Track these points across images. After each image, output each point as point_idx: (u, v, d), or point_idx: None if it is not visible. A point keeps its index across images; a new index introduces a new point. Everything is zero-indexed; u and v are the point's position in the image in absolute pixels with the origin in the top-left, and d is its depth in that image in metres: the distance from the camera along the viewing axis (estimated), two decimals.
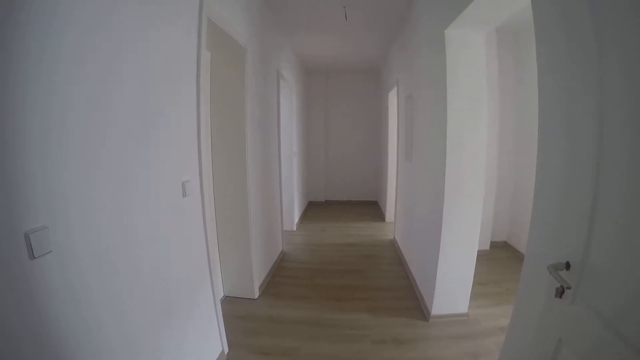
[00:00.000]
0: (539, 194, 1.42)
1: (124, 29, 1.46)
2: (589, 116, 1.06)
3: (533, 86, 4.47)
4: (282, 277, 4.19)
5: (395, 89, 5.42)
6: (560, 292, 1.14)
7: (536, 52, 1.37)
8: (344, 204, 8.32)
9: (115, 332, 1.44)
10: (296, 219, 6.28)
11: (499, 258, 4.78)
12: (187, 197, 2.08)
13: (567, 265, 1.15)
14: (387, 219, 6.74)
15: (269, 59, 4.14)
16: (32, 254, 1.05)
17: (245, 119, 3.17)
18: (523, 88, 4.73)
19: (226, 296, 3.61)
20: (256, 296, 3.62)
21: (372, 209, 7.93)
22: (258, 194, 3.67)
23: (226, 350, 2.70)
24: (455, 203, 2.99)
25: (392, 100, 6.09)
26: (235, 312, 3.38)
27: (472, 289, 3.22)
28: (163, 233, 1.81)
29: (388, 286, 3.97)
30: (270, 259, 4.25)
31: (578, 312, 1.10)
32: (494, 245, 5.08)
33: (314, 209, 7.81)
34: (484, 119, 2.90)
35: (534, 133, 4.25)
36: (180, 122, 2.00)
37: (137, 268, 1.58)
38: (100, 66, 1.32)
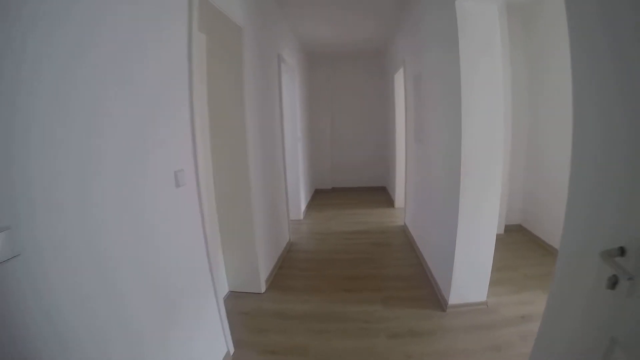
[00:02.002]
0: (577, 171, 1.24)
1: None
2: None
3: (547, 61, 4.29)
4: (289, 269, 4.05)
5: (402, 70, 5.22)
6: (612, 283, 0.97)
7: (569, 35, 1.22)
8: (351, 191, 8.16)
9: (115, 335, 1.29)
10: (303, 207, 6.13)
11: (514, 242, 4.61)
12: (181, 188, 1.91)
13: (622, 251, 0.97)
14: (396, 205, 6.57)
15: (269, 41, 3.96)
16: None
17: (244, 104, 2.99)
18: (535, 63, 4.49)
19: (231, 291, 3.48)
20: (263, 290, 3.48)
21: (381, 195, 7.77)
22: (261, 183, 3.51)
23: (232, 351, 2.57)
24: (473, 183, 2.82)
25: (399, 81, 5.89)
26: (241, 308, 3.25)
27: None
28: (151, 226, 1.65)
29: (401, 275, 3.82)
30: (277, 250, 4.11)
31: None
32: (508, 229, 4.91)
33: (320, 197, 7.66)
34: (499, 94, 2.71)
35: (550, 105, 4.07)
36: (170, 107, 1.83)
37: (113, 268, 1.42)
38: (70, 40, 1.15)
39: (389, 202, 6.95)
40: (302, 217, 5.95)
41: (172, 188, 1.85)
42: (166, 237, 1.79)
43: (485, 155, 2.78)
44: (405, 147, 5.29)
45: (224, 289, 3.41)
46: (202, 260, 2.21)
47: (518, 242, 4.61)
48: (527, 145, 4.80)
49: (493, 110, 2.72)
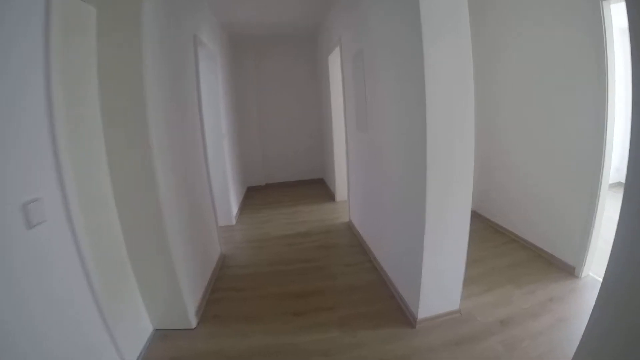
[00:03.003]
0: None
1: None
2: None
3: (500, 49, 4.04)
4: (224, 291, 3.39)
5: (338, 49, 4.70)
6: None
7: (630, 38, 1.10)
8: (287, 186, 7.56)
9: None
10: (234, 211, 5.43)
11: (473, 230, 4.24)
12: (38, 228, 1.20)
13: None
14: (337, 198, 6.10)
15: (181, 19, 3.23)
16: None
17: (145, 97, 2.27)
18: (488, 50, 4.17)
19: (156, 330, 2.76)
20: (193, 325, 2.82)
21: (319, 187, 7.26)
22: (175, 192, 2.78)
23: None
24: (441, 176, 2.37)
25: (334, 63, 5.41)
26: (169, 351, 2.58)
27: None
28: None
29: (355, 285, 3.33)
30: (206, 269, 3.42)
31: None
32: None
33: (254, 196, 6.96)
34: (469, 67, 2.27)
35: (503, 90, 3.62)
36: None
37: None
38: None
39: (329, 196, 6.45)
40: (234, 222, 5.26)
41: (18, 231, 1.13)
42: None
43: (456, 141, 2.34)
44: (345, 135, 4.77)
45: (147, 329, 2.69)
46: (89, 317, 1.50)
47: (477, 230, 4.33)
48: (479, 129, 4.47)
49: (463, 88, 2.28)
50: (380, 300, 3.04)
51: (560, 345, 2.40)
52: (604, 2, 2.74)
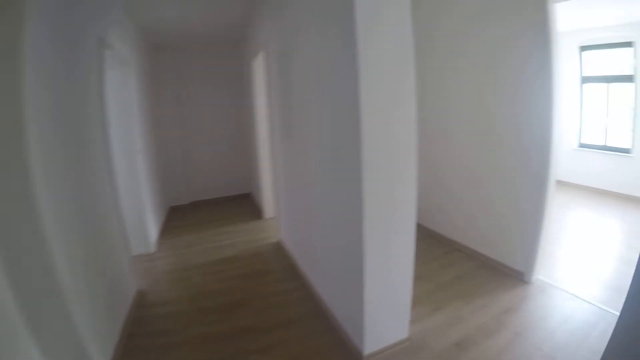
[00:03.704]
0: None
1: None
2: None
3: (430, 53, 3.83)
4: (141, 337, 2.76)
5: (262, 53, 4.28)
6: None
7: None
8: (213, 203, 6.89)
9: None
10: (154, 236, 4.70)
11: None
12: None
13: None
14: (266, 215, 5.59)
15: (81, 18, 2.60)
16: None
17: (21, 107, 1.65)
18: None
19: None
20: None
21: (246, 204, 6.68)
22: (67, 223, 2.10)
23: None
24: (381, 188, 2.04)
25: (259, 67, 4.98)
26: None
27: None
28: None
29: (290, 318, 2.88)
30: (117, 312, 2.75)
31: None
32: None
33: (177, 216, 6.21)
34: (410, 60, 1.97)
35: (436, 94, 3.33)
36: None
37: None
38: None
39: (257, 213, 5.91)
40: (153, 249, 4.53)
41: None
42: None
43: (396, 147, 2.04)
44: (270, 145, 4.31)
45: None
46: None
47: (417, 241, 3.98)
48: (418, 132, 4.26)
49: (403, 85, 1.99)
50: (320, 336, 2.61)
51: None
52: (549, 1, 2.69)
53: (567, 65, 6.29)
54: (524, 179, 3.10)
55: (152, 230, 4.67)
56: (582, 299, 2.93)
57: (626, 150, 5.93)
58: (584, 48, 6.30)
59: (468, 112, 3.63)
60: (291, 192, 3.65)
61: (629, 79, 5.79)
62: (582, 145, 6.61)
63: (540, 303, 2.86)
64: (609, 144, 6.29)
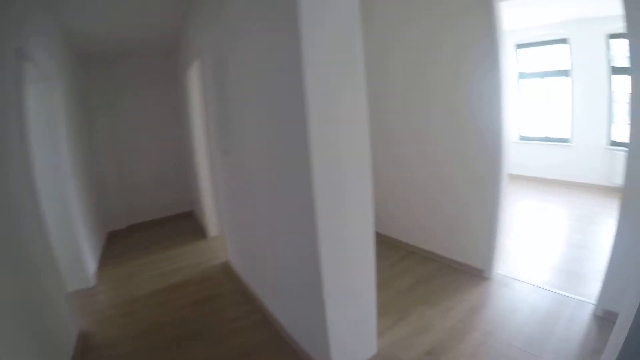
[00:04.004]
0: None
1: None
2: None
3: (388, 57, 3.73)
4: None
5: (198, 62, 4.01)
6: None
7: None
8: (153, 225, 6.40)
9: None
10: (92, 268, 4.23)
11: None
12: None
13: None
14: (210, 233, 5.27)
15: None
16: None
17: None
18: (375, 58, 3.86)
19: None
20: None
21: (189, 223, 6.28)
22: None
23: None
24: (334, 193, 1.86)
25: (194, 77, 4.68)
26: None
27: None
28: None
29: (248, 348, 2.63)
30: None
31: None
32: None
33: (116, 243, 5.68)
34: (360, 63, 1.83)
35: (397, 95, 3.21)
36: None
37: None
38: None
39: (201, 232, 5.56)
40: (92, 282, 4.06)
41: None
42: None
43: (347, 154, 1.89)
44: (209, 159, 4.05)
45: None
46: None
47: None
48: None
49: (353, 89, 1.87)
50: None
51: None
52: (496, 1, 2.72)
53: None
54: (475, 175, 3.07)
55: (90, 261, 4.21)
56: (544, 288, 2.93)
57: (565, 140, 6.25)
58: (519, 46, 6.65)
59: (409, 115, 3.59)
60: (234, 208, 3.40)
61: (564, 73, 6.12)
62: (522, 138, 6.94)
63: (504, 298, 2.82)
64: (549, 135, 6.62)
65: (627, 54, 2.09)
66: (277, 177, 2.23)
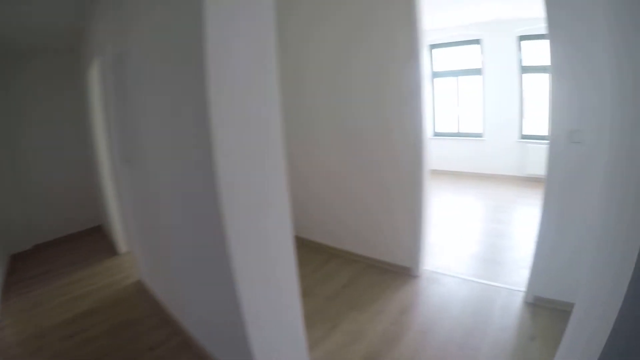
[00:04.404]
0: None
1: None
2: None
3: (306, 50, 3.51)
4: None
5: (98, 60, 3.59)
6: None
7: None
8: (60, 243, 5.67)
9: None
10: None
11: None
12: None
13: None
14: (120, 249, 4.77)
15: None
16: None
17: None
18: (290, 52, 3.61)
19: None
20: None
21: (98, 238, 5.65)
22: None
23: None
24: (249, 207, 1.67)
25: (94, 77, 4.21)
26: None
27: None
28: None
29: None
30: None
31: None
32: None
33: (20, 267, 4.86)
34: (271, 56, 1.65)
35: (316, 94, 3.17)
36: None
37: None
38: None
39: (111, 248, 5.01)
40: None
41: None
42: None
43: (260, 161, 1.69)
44: (113, 169, 3.63)
45: None
46: None
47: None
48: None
49: (263, 84, 1.65)
50: None
51: None
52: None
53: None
54: (397, 172, 3.01)
55: None
56: (472, 280, 2.97)
57: (479, 135, 6.54)
58: (433, 46, 6.87)
59: (330, 112, 3.46)
60: (141, 222, 3.04)
61: (477, 72, 6.41)
62: (436, 134, 7.20)
63: (434, 294, 2.78)
64: (462, 131, 6.93)
65: (548, 53, 2.19)
66: (181, 185, 1.96)
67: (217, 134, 1.46)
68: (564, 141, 2.28)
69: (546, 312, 2.48)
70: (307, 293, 2.87)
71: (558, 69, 2.22)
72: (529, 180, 5.90)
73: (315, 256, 3.66)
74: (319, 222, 3.80)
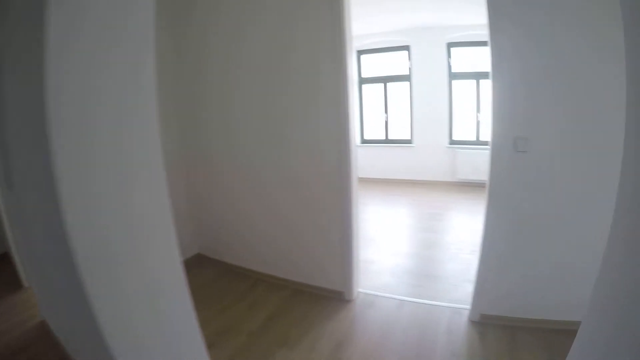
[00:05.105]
0: None
1: None
2: None
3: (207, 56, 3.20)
4: None
5: None
6: None
7: None
8: None
9: None
10: None
11: (207, 282, 3.17)
12: None
13: None
14: (25, 282, 4.00)
15: None
16: None
17: None
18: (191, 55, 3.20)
19: None
20: None
21: (3, 269, 4.75)
22: None
23: None
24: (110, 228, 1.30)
25: None
26: None
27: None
28: None
29: None
30: None
31: None
32: (188, 264, 3.33)
33: None
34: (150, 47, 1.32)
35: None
36: None
37: None
38: None
39: (16, 280, 4.21)
40: None
41: None
42: None
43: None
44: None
45: None
46: None
47: (210, 281, 3.25)
48: (186, 155, 3.45)
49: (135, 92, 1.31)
50: None
51: None
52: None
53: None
54: (324, 187, 2.78)
55: None
56: (412, 301, 2.75)
57: (408, 141, 6.49)
58: (361, 52, 6.74)
59: (254, 124, 3.12)
60: (31, 250, 2.46)
61: (405, 78, 6.36)
62: (364, 142, 7.11)
63: (372, 321, 2.54)
64: (391, 138, 6.88)
65: (489, 60, 2.12)
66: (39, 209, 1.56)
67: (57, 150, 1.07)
68: (508, 148, 2.17)
69: (495, 330, 2.34)
70: (228, 330, 2.49)
71: (499, 76, 2.12)
72: (460, 185, 5.93)
73: (239, 283, 3.24)
74: (243, 244, 3.42)
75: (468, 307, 2.49)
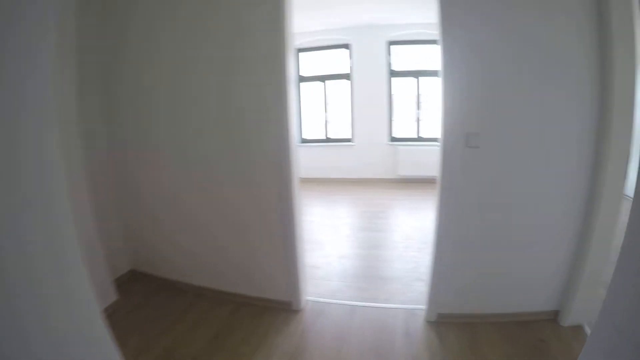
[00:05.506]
0: None
1: None
2: None
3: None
4: None
5: None
6: None
7: None
8: None
9: None
10: None
11: (140, 304, 2.80)
12: None
13: None
14: None
15: None
16: None
17: None
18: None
19: None
20: None
21: None
22: None
23: None
24: None
25: None
26: None
27: None
28: None
29: None
30: None
31: None
32: (120, 282, 3.01)
33: None
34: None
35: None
36: None
37: None
38: None
39: None
40: None
41: None
42: None
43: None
44: None
45: None
46: None
47: (147, 298, 2.88)
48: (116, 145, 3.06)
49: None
50: None
51: None
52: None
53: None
54: (264, 190, 2.55)
55: None
56: (364, 305, 2.61)
57: (348, 140, 6.44)
58: (300, 50, 6.55)
59: (177, 127, 2.79)
60: None
61: (345, 76, 6.30)
62: (304, 141, 6.95)
63: (323, 330, 2.37)
64: (330, 137, 6.79)
65: (440, 57, 2.07)
66: None
67: None
68: (459, 144, 2.11)
69: (454, 328, 2.28)
70: (170, 356, 2.16)
71: (449, 73, 2.07)
72: (401, 182, 5.97)
73: (177, 301, 2.84)
74: (178, 256, 3.03)
75: (423, 307, 2.42)
